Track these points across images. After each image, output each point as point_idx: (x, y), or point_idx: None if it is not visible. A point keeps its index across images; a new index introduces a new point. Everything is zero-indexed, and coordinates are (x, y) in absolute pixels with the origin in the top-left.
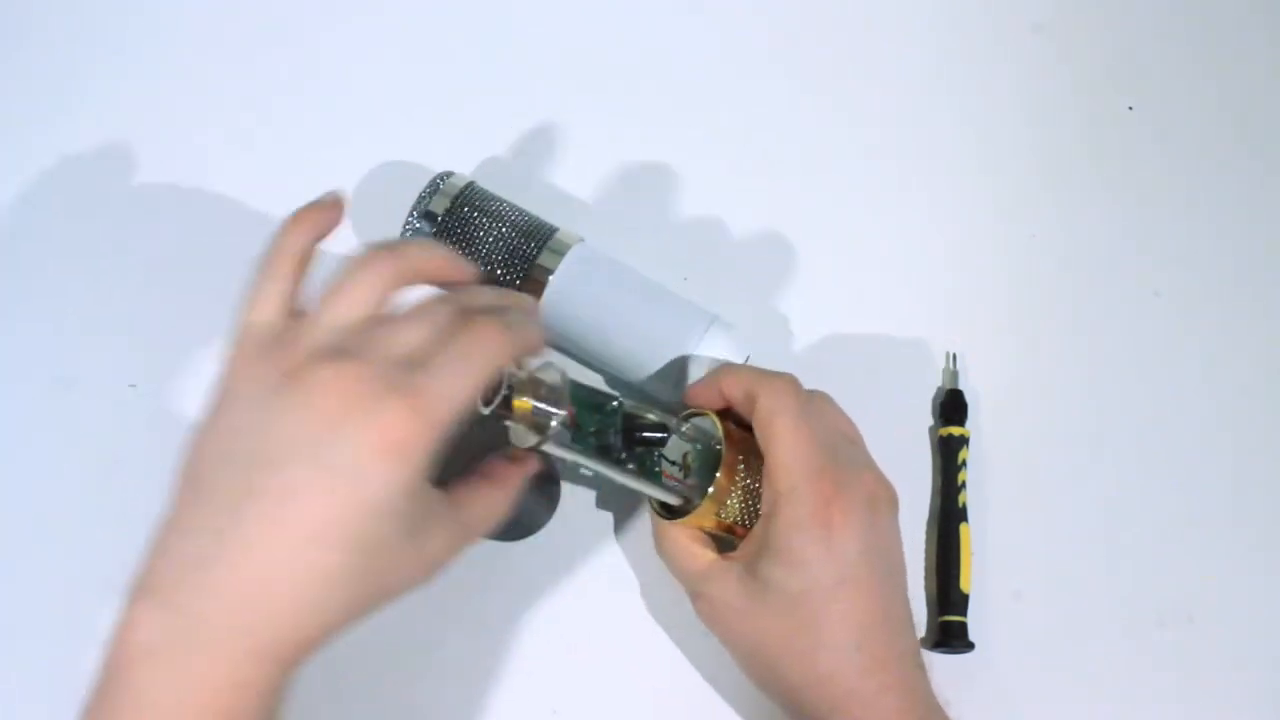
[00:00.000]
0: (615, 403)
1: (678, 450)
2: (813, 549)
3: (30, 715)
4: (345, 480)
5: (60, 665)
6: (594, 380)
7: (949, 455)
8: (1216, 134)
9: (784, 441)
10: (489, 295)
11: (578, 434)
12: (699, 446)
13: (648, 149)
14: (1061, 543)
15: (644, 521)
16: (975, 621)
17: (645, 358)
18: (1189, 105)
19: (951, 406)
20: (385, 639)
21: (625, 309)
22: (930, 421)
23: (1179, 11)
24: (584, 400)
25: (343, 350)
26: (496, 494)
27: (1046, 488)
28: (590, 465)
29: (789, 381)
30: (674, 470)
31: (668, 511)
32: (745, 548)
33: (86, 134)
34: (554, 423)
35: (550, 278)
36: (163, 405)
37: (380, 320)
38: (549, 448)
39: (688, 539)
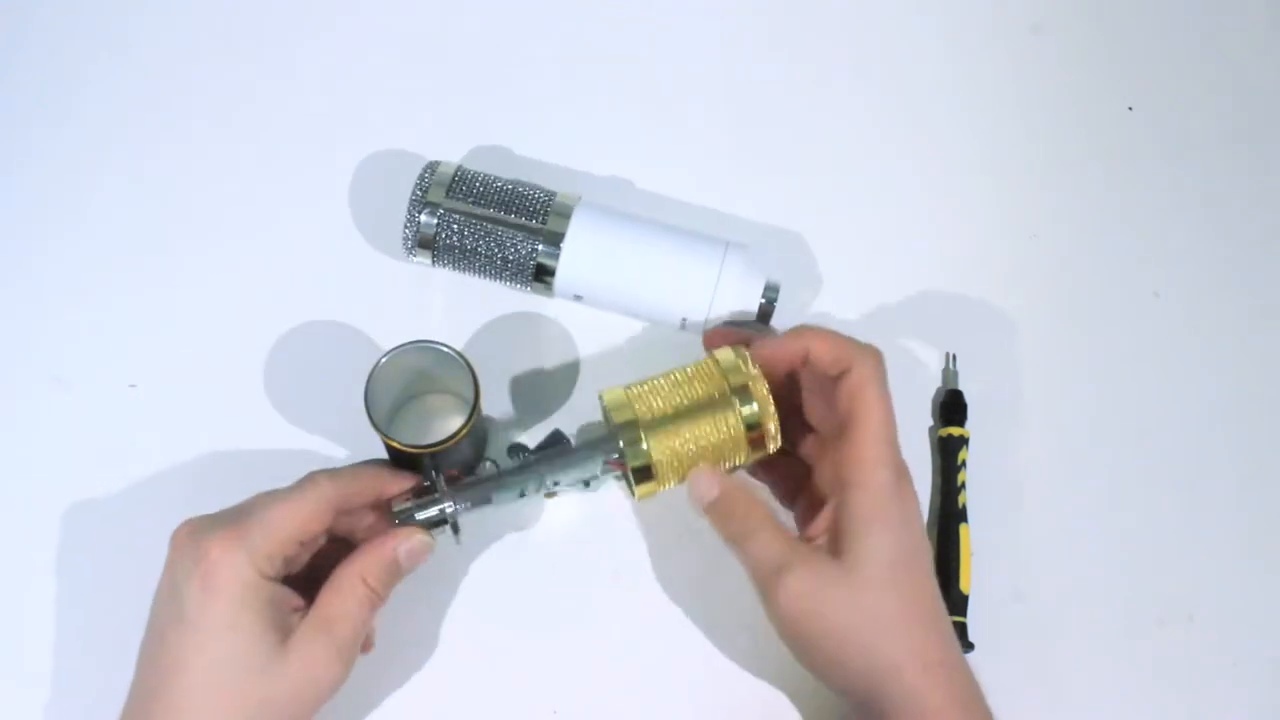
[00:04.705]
0: (491, 462)
1: (590, 456)
2: (899, 516)
3: (29, 711)
4: (192, 612)
5: (59, 664)
6: None
7: (949, 455)
8: (1216, 134)
9: (876, 412)
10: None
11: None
12: (614, 420)
13: (640, 143)
14: (1061, 543)
15: (644, 523)
16: (975, 621)
17: (673, 295)
18: (1189, 105)
19: (951, 407)
20: (386, 639)
21: (643, 252)
22: (930, 422)
23: (1179, 11)
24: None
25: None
26: (347, 603)
27: (1046, 488)
28: (520, 496)
29: (879, 354)
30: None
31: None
32: (817, 530)
33: (86, 133)
34: (449, 511)
35: (563, 243)
36: (163, 405)
37: None
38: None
39: (766, 527)
